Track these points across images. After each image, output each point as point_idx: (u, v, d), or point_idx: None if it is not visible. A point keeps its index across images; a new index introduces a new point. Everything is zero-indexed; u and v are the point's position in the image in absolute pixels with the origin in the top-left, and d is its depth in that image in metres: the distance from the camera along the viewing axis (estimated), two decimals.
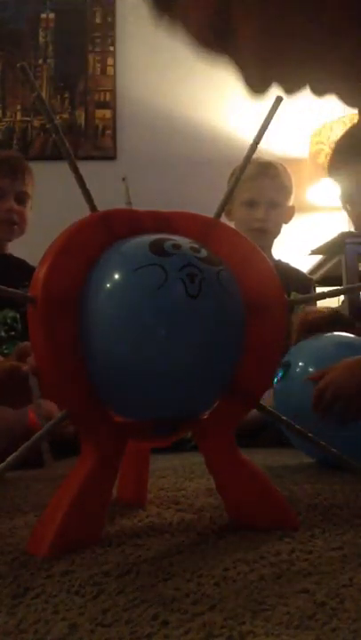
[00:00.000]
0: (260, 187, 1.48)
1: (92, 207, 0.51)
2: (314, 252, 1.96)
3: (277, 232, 1.53)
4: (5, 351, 1.27)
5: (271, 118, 0.54)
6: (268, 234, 1.49)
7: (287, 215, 1.56)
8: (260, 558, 0.41)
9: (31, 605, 0.33)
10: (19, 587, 0.36)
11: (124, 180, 0.66)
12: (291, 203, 1.55)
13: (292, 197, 1.55)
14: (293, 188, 1.54)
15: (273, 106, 0.54)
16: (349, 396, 0.77)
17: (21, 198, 1.42)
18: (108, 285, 0.46)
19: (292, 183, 1.53)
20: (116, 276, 0.46)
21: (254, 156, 0.57)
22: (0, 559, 0.43)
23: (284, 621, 0.30)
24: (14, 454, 0.46)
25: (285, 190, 1.52)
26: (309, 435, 0.52)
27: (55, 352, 0.46)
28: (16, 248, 1.47)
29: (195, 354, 0.46)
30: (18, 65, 0.50)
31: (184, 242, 0.48)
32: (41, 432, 0.47)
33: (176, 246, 0.46)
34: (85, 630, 0.30)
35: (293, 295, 1.42)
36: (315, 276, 2.08)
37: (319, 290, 1.83)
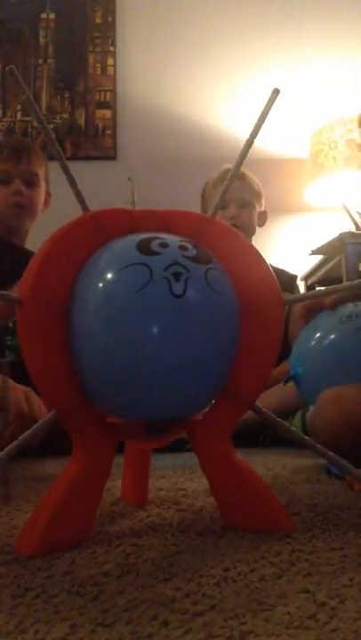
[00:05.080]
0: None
1: (85, 207, 0.50)
2: (314, 252, 1.96)
3: (251, 232, 1.54)
4: (9, 342, 1.26)
5: (268, 111, 0.53)
6: (240, 230, 1.50)
7: (260, 219, 1.57)
8: (260, 558, 0.41)
9: (31, 605, 0.33)
10: (19, 587, 0.36)
11: (129, 179, 0.66)
12: (263, 208, 1.56)
13: (263, 203, 1.57)
14: (264, 193, 1.57)
15: (270, 99, 0.53)
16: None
17: (30, 181, 1.37)
18: (95, 285, 0.45)
19: (261, 189, 1.55)
20: (103, 276, 0.45)
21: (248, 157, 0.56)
22: (0, 559, 0.43)
23: (284, 621, 0.30)
24: (13, 443, 0.45)
25: (255, 192, 1.53)
26: (306, 438, 0.51)
27: (43, 353, 0.46)
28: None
29: (182, 354, 0.45)
30: (7, 68, 0.50)
31: (173, 240, 0.47)
32: (30, 431, 0.46)
33: (163, 245, 0.45)
34: (85, 630, 0.30)
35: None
36: (315, 277, 2.08)
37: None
